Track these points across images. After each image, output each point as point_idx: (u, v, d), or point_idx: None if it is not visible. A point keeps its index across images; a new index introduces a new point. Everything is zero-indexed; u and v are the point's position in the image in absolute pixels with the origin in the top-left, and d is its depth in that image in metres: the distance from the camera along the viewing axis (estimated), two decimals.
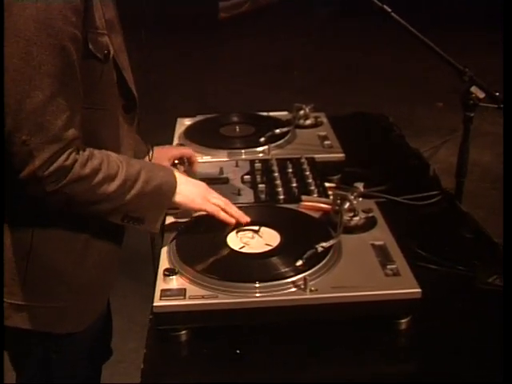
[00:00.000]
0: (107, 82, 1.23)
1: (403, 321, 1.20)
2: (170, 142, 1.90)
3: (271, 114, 2.15)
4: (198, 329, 1.20)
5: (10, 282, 1.24)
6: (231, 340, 1.19)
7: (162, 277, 1.22)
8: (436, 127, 4.70)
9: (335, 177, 1.74)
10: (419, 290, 1.17)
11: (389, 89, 5.56)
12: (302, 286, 1.18)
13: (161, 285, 1.21)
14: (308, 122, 2.00)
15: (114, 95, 1.26)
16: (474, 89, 1.59)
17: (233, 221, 1.35)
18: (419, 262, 1.38)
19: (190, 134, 1.92)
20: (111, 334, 1.64)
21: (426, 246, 1.44)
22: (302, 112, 2.00)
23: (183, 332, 1.19)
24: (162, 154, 1.62)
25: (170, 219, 1.44)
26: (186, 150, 1.70)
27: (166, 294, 1.18)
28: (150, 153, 1.53)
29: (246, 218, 1.37)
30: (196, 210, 1.37)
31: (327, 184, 1.65)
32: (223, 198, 1.38)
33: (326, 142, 1.87)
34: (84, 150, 1.18)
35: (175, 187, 1.30)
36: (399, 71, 6.04)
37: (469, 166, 1.74)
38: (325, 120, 2.04)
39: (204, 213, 1.36)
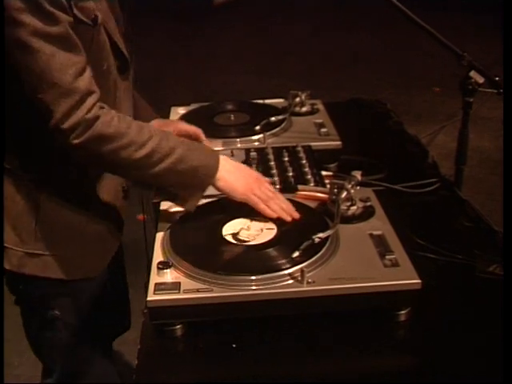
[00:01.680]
0: (99, 44, 1.26)
1: (403, 312, 1.18)
2: None
3: (267, 101, 2.11)
4: (194, 323, 1.17)
5: (23, 232, 1.33)
6: (227, 334, 1.17)
7: (155, 270, 1.19)
8: (434, 112, 4.66)
9: (332, 165, 1.71)
10: (419, 281, 1.15)
11: (385, 74, 5.51)
12: (299, 278, 1.15)
13: (155, 278, 1.18)
14: (304, 109, 1.97)
15: (108, 56, 1.29)
16: (472, 73, 1.55)
17: (272, 214, 1.32)
18: (418, 252, 1.36)
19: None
20: (128, 305, 1.72)
21: (425, 235, 1.42)
22: (297, 99, 1.97)
23: (178, 326, 1.16)
24: (164, 128, 1.55)
25: (164, 210, 1.41)
26: (192, 128, 1.63)
27: (160, 287, 1.15)
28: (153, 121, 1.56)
29: (290, 216, 1.31)
30: (238, 199, 1.34)
31: (324, 172, 1.62)
32: (271, 193, 1.35)
33: (323, 130, 1.84)
34: (110, 111, 1.23)
35: (215, 172, 1.29)
36: (396, 56, 5.99)
37: (468, 152, 1.71)
38: (321, 107, 2.01)
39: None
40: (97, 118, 1.20)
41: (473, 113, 1.64)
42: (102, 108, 1.22)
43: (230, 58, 6.03)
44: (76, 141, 1.19)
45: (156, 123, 1.60)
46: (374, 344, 1.15)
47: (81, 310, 1.44)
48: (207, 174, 1.29)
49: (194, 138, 1.58)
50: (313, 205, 1.41)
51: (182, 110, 2.02)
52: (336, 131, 1.83)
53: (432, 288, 1.20)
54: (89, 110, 1.19)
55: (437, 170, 1.74)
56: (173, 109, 2.04)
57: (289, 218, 1.31)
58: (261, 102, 2.10)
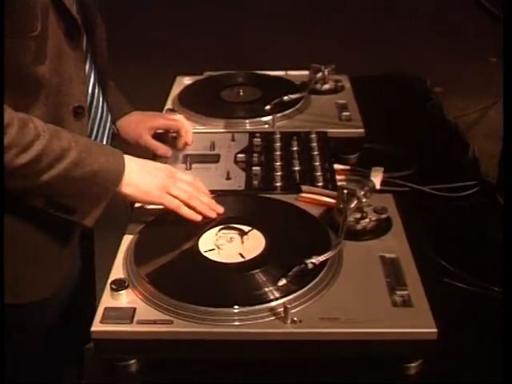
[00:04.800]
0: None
1: (413, 365, 0.93)
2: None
3: (290, 72, 1.85)
4: (151, 357, 0.95)
5: None
6: (192, 371, 0.94)
7: (108, 290, 0.97)
8: (487, 85, 4.27)
9: (352, 156, 1.45)
10: (435, 331, 0.89)
11: (434, 41, 5.09)
12: (282, 315, 0.91)
13: (106, 301, 0.96)
14: (326, 86, 1.69)
15: (44, 16, 0.99)
16: None
17: (197, 217, 1.10)
18: (442, 277, 1.11)
19: (185, 98, 1.64)
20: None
21: (453, 256, 1.15)
22: (319, 74, 1.69)
23: (132, 361, 0.95)
24: (139, 124, 1.37)
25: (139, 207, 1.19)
26: (174, 123, 1.40)
27: (109, 314, 0.93)
28: (113, 127, 1.27)
29: (215, 212, 1.13)
30: (151, 204, 1.12)
31: (339, 166, 1.36)
32: (188, 187, 1.13)
33: (345, 113, 1.56)
34: None
35: (120, 177, 1.05)
36: (446, 21, 5.54)
37: None
38: (347, 85, 1.73)
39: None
40: None
41: None
42: None
43: (267, 19, 5.68)
44: None
45: (134, 117, 1.38)
46: None
47: (37, 328, 1.21)
48: (109, 181, 1.05)
49: (177, 134, 1.38)
50: (317, 211, 1.16)
51: (187, 81, 1.79)
52: (360, 115, 1.56)
53: (456, 329, 0.95)
54: None
55: (477, 169, 1.46)
56: (178, 78, 1.80)
57: (214, 215, 1.13)
58: (279, 74, 1.84)
